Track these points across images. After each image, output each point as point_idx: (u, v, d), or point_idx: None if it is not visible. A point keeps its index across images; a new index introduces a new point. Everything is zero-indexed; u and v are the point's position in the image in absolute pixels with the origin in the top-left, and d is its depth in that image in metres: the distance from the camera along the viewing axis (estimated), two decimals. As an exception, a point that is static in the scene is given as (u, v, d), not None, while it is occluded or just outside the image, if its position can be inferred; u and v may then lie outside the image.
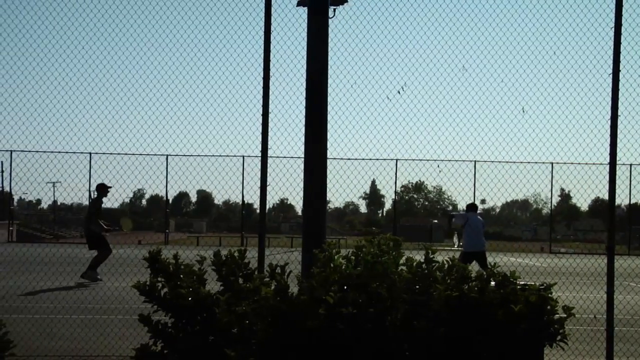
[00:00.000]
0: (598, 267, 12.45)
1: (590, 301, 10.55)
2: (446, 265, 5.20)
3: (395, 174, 28.41)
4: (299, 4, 18.91)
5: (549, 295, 4.90)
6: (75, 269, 14.33)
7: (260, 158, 6.26)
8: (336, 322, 4.73)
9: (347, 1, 12.78)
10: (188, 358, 5.29)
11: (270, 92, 6.07)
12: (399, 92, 6.80)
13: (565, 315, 4.78)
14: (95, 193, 14.79)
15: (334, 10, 22.15)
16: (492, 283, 5.11)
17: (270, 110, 6.23)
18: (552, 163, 27.32)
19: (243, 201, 29.66)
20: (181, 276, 5.44)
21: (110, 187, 14.78)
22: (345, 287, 5.07)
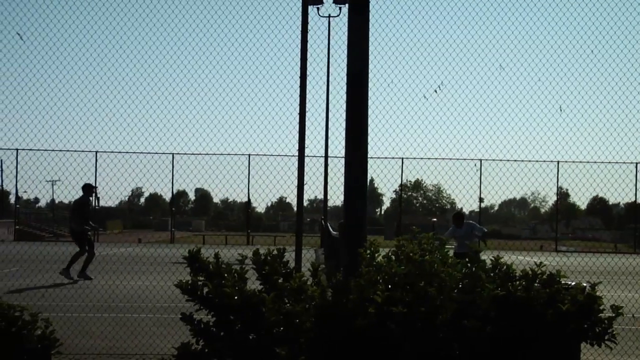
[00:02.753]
0: (615, 265, 12.47)
1: (614, 300, 10.54)
2: (490, 264, 5.23)
3: (401, 173, 28.46)
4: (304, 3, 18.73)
5: (596, 294, 4.93)
6: (91, 266, 14.32)
7: (297, 158, 6.28)
8: (386, 321, 4.75)
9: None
10: (232, 357, 5.30)
11: (275, 91, 6.11)
12: (435, 92, 6.79)
13: (613, 315, 4.80)
14: (82, 192, 14.73)
15: (340, 9, 21.96)
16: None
17: (307, 110, 6.24)
18: (557, 162, 27.40)
19: (249, 200, 29.64)
20: (225, 275, 5.45)
21: (96, 188, 14.95)
22: (389, 286, 5.09)
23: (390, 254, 5.54)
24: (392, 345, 4.78)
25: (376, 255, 5.44)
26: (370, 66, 5.64)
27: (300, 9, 6.43)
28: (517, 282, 5.09)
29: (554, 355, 5.00)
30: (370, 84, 5.81)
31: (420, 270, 5.05)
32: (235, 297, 5.27)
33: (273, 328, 5.12)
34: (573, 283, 5.19)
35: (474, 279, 5.05)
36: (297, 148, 6.16)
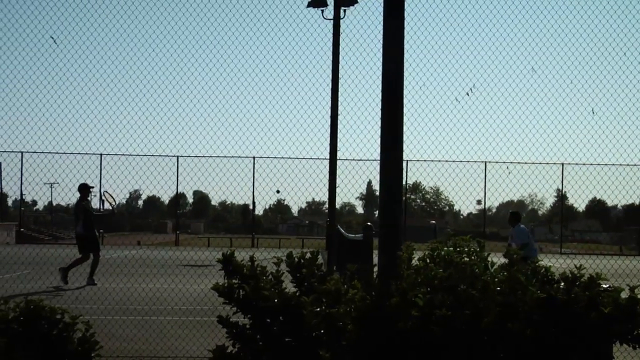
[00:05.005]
0: (626, 268, 12.51)
1: None
2: (529, 268, 5.25)
3: (406, 175, 28.46)
4: (309, 5, 18.70)
5: (637, 296, 4.94)
6: (102, 269, 14.29)
7: (329, 161, 6.29)
8: (429, 324, 4.76)
9: (357, 2, 12.81)
10: (271, 359, 5.30)
11: (278, 94, 6.16)
12: (467, 94, 6.78)
13: (656, 317, 4.81)
14: (79, 194, 14.36)
15: (344, 11, 21.84)
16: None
17: (338, 113, 6.24)
18: (562, 164, 27.44)
19: (254, 203, 29.57)
20: (264, 277, 5.46)
21: (93, 187, 14.64)
22: (429, 289, 5.10)
23: (425, 256, 5.57)
24: (435, 347, 4.79)
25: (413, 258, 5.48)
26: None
27: (303, 10, 6.44)
28: (556, 285, 5.11)
29: (593, 358, 5.01)
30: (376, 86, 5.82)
31: (462, 273, 5.06)
32: (275, 300, 5.27)
33: (314, 331, 5.12)
34: (605, 286, 5.21)
35: (513, 282, 5.07)
36: (329, 151, 6.17)
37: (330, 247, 6.52)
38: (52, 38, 7.63)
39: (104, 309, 10.10)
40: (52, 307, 4.98)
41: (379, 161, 5.56)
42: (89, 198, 14.60)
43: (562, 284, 5.09)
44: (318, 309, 5.22)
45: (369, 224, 7.80)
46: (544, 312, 4.85)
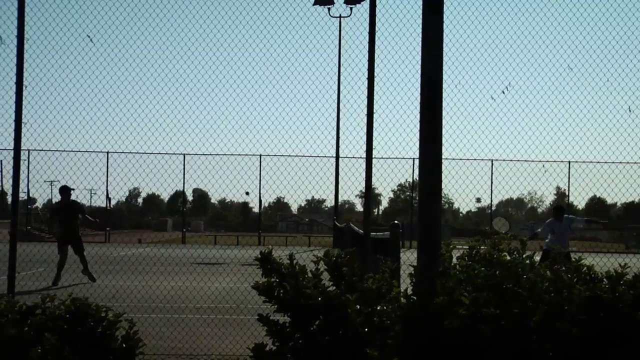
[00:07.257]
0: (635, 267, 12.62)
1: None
2: (567, 267, 5.26)
3: (412, 174, 28.47)
4: (315, 3, 18.52)
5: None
6: (117, 267, 14.27)
7: (365, 159, 6.31)
8: (476, 322, 4.76)
9: (364, 0, 12.80)
10: (312, 358, 5.29)
11: (282, 93, 6.12)
12: (503, 92, 6.80)
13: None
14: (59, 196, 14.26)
15: (351, 9, 21.95)
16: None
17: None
18: (569, 162, 27.45)
19: (260, 201, 29.47)
20: (306, 276, 5.45)
21: (73, 190, 14.38)
22: (472, 288, 5.09)
23: (463, 254, 5.58)
24: (482, 346, 4.79)
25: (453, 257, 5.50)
26: (393, 65, 5.67)
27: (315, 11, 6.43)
28: (599, 284, 5.10)
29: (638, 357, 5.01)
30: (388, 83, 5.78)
31: (507, 271, 5.06)
32: (319, 298, 5.26)
33: (358, 329, 5.12)
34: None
35: (558, 281, 5.06)
36: (365, 149, 6.16)
37: (363, 246, 6.51)
38: (89, 37, 7.56)
39: (129, 307, 10.05)
40: (98, 305, 4.98)
41: (380, 159, 5.56)
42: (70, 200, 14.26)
43: (606, 282, 5.10)
44: (359, 307, 5.23)
45: (396, 222, 7.78)
46: (589, 311, 4.84)
